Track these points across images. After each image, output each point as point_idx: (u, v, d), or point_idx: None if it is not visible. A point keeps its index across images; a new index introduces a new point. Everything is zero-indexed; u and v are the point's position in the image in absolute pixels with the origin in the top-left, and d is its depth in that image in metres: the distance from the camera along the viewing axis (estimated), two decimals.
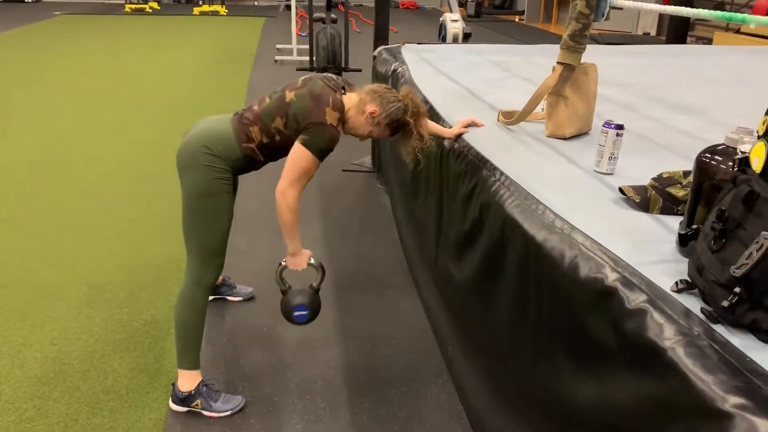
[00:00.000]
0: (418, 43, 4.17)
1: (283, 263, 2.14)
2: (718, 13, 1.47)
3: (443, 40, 5.67)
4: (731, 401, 0.91)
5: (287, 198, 1.93)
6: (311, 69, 5.58)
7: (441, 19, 5.75)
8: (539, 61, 3.76)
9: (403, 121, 2.04)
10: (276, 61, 8.33)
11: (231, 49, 9.28)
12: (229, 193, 2.02)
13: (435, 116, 2.46)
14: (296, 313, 2.14)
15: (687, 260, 1.29)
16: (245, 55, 8.81)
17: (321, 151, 1.95)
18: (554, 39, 11.19)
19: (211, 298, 2.58)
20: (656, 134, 2.27)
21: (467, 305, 2.09)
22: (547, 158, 1.98)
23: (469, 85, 2.94)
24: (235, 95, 6.34)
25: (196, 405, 2.05)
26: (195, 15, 13.31)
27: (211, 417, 2.05)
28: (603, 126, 1.79)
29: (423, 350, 2.42)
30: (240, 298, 2.71)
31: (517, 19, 14.45)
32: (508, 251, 1.67)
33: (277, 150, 2.03)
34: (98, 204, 3.65)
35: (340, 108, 1.98)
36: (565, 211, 1.55)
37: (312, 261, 2.15)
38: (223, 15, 13.49)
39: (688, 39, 7.76)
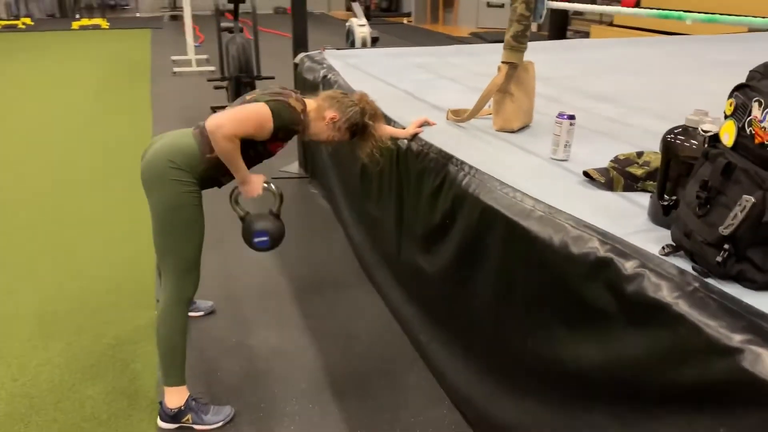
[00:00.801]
0: (337, 49, 4.26)
1: (238, 189, 2.12)
2: (659, 12, 1.68)
3: (352, 45, 5.79)
4: (738, 338, 1.09)
5: (223, 129, 1.87)
6: (222, 78, 5.53)
7: (347, 24, 5.88)
8: (457, 62, 3.97)
9: (363, 123, 2.14)
10: (174, 73, 8.14)
11: (123, 63, 8.95)
12: (198, 205, 2.02)
13: (386, 119, 2.56)
14: (256, 240, 2.15)
15: (659, 228, 1.48)
16: (140, 68, 8.53)
17: (280, 116, 1.96)
18: (444, 40, 11.62)
19: None
20: (589, 122, 2.50)
21: (440, 294, 2.22)
22: (505, 150, 2.14)
23: (405, 88, 3.08)
24: (140, 110, 6.16)
25: (187, 420, 2.05)
26: (75, 30, 12.67)
27: (203, 430, 2.05)
28: (557, 117, 1.98)
29: (393, 342, 2.53)
30: (201, 313, 2.70)
31: (405, 21, 14.84)
32: (489, 238, 1.81)
33: (242, 153, 2.03)
34: (25, 235, 3.47)
35: (302, 102, 2.06)
36: (541, 195, 1.71)
37: (271, 186, 2.14)
38: (105, 28, 12.93)
39: (568, 32, 8.33)
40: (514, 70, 2.26)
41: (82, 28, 12.87)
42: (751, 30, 6.91)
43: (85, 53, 9.83)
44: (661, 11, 1.70)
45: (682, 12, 1.64)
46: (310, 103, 2.13)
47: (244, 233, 2.17)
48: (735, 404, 1.07)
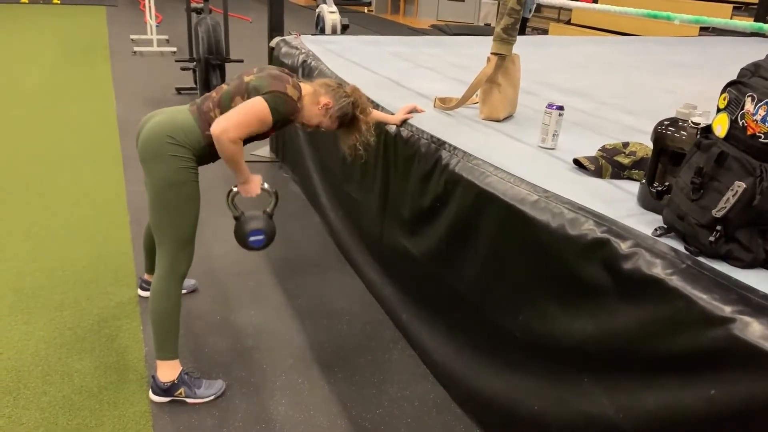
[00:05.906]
0: (313, 35, 4.29)
1: (234, 189, 2.18)
2: (647, 12, 1.79)
3: (321, 31, 5.80)
4: (730, 309, 1.21)
5: (229, 134, 1.91)
6: (191, 60, 5.47)
7: (317, 10, 5.89)
8: (430, 52, 4.05)
9: (352, 115, 2.20)
10: (135, 52, 7.97)
11: (79, 40, 8.69)
12: (196, 181, 2.05)
13: (374, 105, 2.62)
14: (252, 239, 2.20)
15: (648, 212, 1.60)
16: (97, 46, 8.31)
17: (278, 111, 2.00)
18: (407, 31, 11.70)
19: None
20: (565, 114, 2.62)
21: (424, 274, 2.31)
22: (494, 138, 2.24)
23: (387, 75, 3.15)
24: (102, 88, 6.03)
25: (180, 393, 2.08)
26: (24, 3, 12.21)
27: (195, 403, 2.09)
28: (546, 108, 2.08)
29: (375, 321, 2.60)
30: (185, 291, 2.71)
31: (366, 10, 14.85)
32: (482, 220, 1.91)
33: None
34: None
35: (298, 88, 2.10)
36: (535, 181, 1.81)
37: (265, 186, 2.21)
38: (56, 3, 12.49)
39: (527, 29, 8.52)
40: (502, 61, 2.35)
41: (32, 2, 12.40)
42: (701, 33, 7.24)
43: (38, 28, 9.49)
44: (650, 11, 1.81)
45: (669, 13, 1.76)
46: (306, 87, 2.17)
47: (237, 232, 2.22)
48: (727, 368, 1.19)
